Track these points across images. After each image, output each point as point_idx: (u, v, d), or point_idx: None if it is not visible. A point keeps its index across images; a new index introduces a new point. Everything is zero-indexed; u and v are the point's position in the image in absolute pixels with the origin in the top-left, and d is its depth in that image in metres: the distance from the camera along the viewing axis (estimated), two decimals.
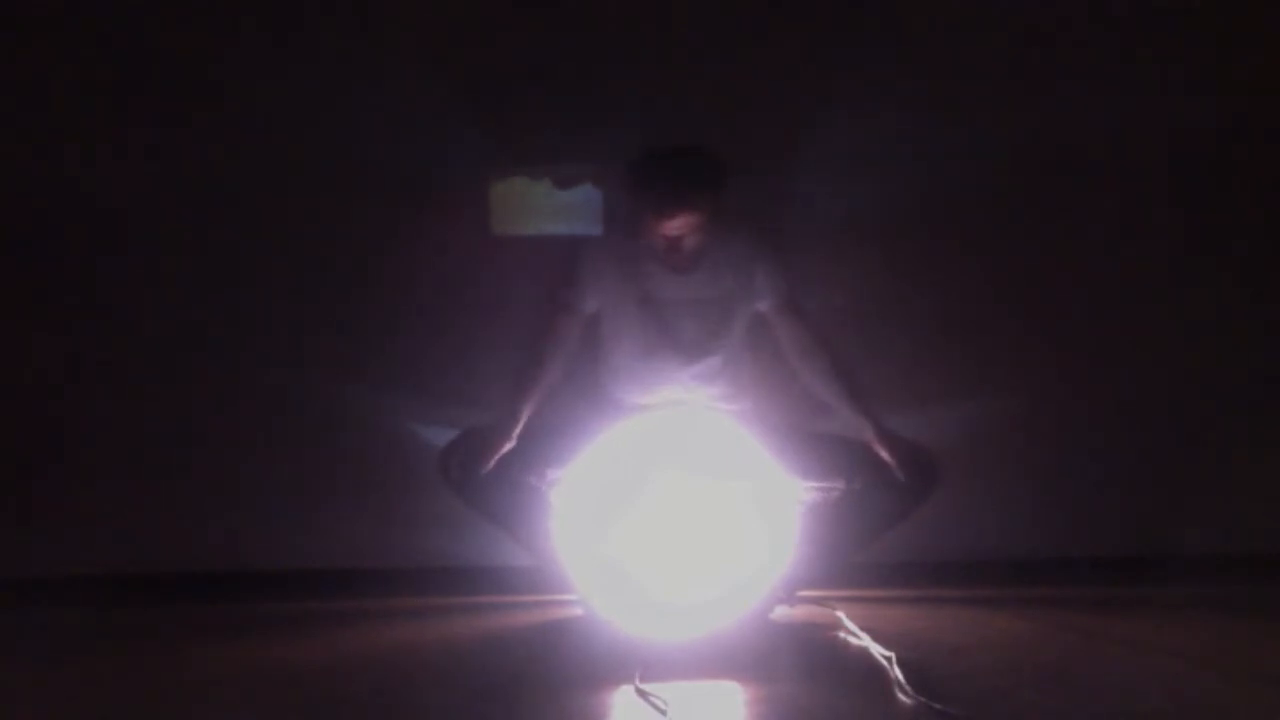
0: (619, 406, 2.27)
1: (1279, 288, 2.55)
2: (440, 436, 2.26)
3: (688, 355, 2.24)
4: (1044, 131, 2.50)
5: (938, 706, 1.51)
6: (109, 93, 2.49)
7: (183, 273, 2.53)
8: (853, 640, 1.96)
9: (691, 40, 2.49)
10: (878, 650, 1.83)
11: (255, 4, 2.49)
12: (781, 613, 2.13)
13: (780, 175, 2.47)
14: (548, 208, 2.46)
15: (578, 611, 2.21)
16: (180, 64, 2.49)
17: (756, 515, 2.03)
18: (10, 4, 2.46)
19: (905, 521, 2.16)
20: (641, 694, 1.63)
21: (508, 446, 2.15)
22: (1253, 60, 2.51)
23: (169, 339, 2.53)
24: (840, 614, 2.09)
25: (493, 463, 2.13)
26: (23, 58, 2.48)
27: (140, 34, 2.49)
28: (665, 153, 2.16)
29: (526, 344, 2.29)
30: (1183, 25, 2.50)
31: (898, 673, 1.67)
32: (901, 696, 1.59)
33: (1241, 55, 2.51)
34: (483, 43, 2.49)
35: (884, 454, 2.12)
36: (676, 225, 2.13)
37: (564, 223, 2.45)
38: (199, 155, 2.50)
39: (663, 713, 1.55)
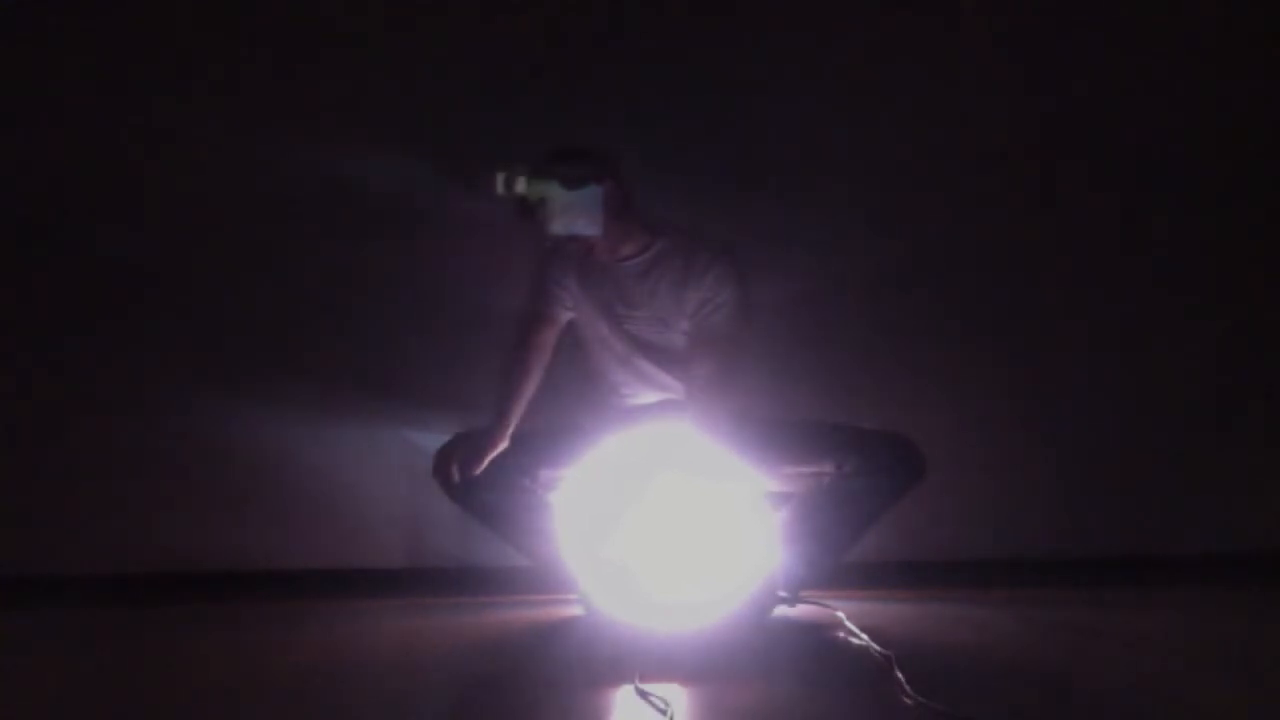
0: (609, 408, 2.28)
1: (1278, 287, 2.55)
2: (437, 439, 2.27)
3: (654, 362, 2.24)
4: (1046, 129, 2.50)
5: (938, 706, 1.51)
6: (111, 92, 2.50)
7: (182, 275, 2.54)
8: (853, 640, 1.96)
9: (692, 39, 2.50)
10: (878, 650, 1.83)
11: (254, 7, 2.50)
12: (781, 613, 2.13)
13: (779, 168, 2.48)
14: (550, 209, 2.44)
15: (578, 611, 2.21)
16: (181, 64, 2.50)
17: (755, 515, 2.03)
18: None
19: (896, 507, 2.15)
20: (641, 694, 1.63)
21: (500, 447, 2.15)
22: (1254, 59, 2.52)
23: (169, 341, 2.54)
24: (840, 614, 2.09)
25: (484, 465, 2.14)
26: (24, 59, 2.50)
27: (139, 32, 2.50)
28: (550, 154, 2.14)
29: (506, 353, 2.28)
30: (1181, 21, 2.50)
31: (898, 673, 1.67)
32: (901, 696, 1.59)
33: (1242, 54, 2.52)
34: (483, 42, 2.49)
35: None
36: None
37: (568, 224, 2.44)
38: (198, 158, 2.51)
39: (663, 713, 1.55)
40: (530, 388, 2.25)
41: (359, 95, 2.50)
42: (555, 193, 2.11)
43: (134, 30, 2.49)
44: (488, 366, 2.32)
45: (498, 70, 2.48)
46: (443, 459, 2.19)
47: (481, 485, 2.15)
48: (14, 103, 2.51)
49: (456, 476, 2.15)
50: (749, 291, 2.19)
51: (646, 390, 2.26)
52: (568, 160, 2.13)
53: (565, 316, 2.31)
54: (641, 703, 1.61)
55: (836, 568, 2.22)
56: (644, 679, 1.68)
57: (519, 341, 2.29)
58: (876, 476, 2.10)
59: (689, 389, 2.17)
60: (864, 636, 1.93)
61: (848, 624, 2.03)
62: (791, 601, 2.13)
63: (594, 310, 2.26)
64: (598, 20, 2.49)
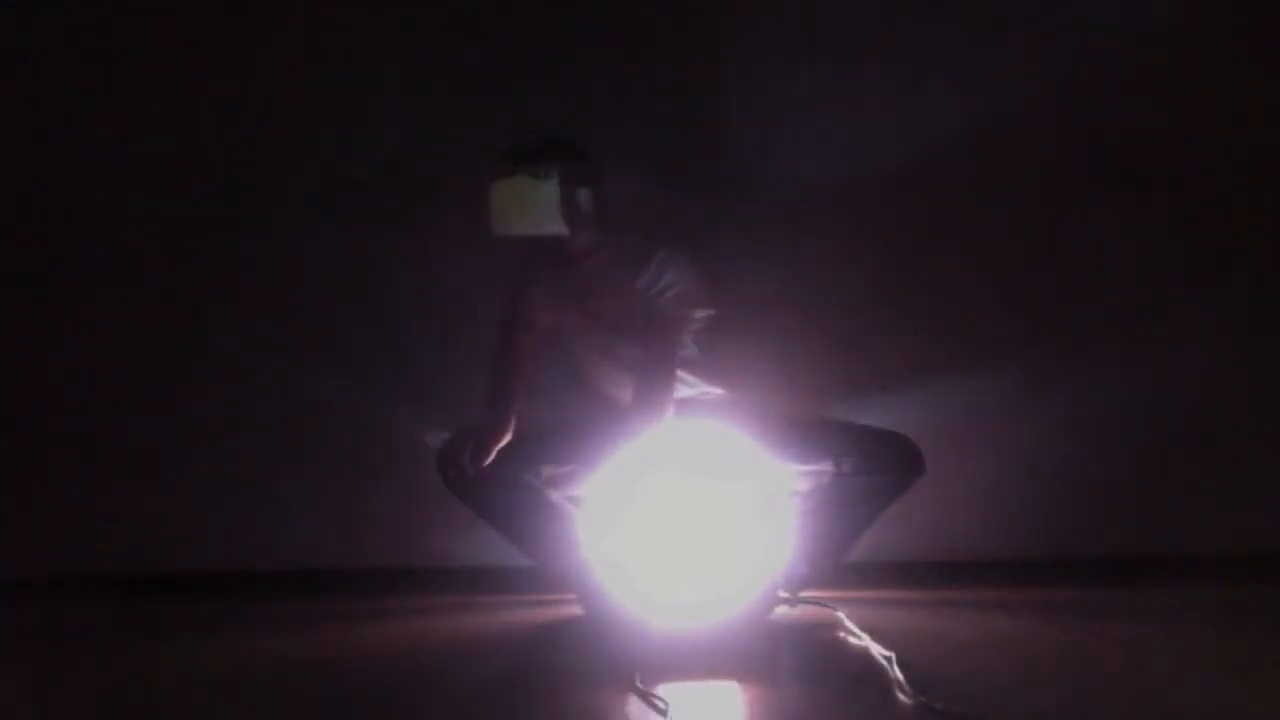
0: (609, 406, 2.28)
1: (1279, 287, 2.55)
2: (439, 437, 2.27)
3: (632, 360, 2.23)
4: (1049, 125, 2.50)
5: (938, 706, 1.51)
6: (112, 91, 2.50)
7: (183, 276, 2.54)
8: (853, 640, 1.95)
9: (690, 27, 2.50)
10: (878, 650, 1.83)
11: (255, 7, 2.50)
12: (782, 613, 2.13)
13: (781, 166, 2.48)
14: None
15: (578, 611, 2.21)
16: (181, 63, 2.50)
17: (756, 514, 2.03)
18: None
19: (896, 507, 2.16)
20: (641, 694, 1.63)
21: (504, 440, 2.15)
22: (1252, 60, 2.52)
23: (170, 341, 2.53)
24: (840, 614, 2.09)
25: (488, 461, 2.13)
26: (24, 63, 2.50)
27: (137, 29, 2.50)
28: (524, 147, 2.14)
29: (491, 360, 2.28)
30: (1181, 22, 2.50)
31: (898, 673, 1.67)
32: (901, 696, 1.59)
33: (1241, 56, 2.51)
34: (483, 42, 2.49)
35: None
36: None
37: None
38: (199, 158, 2.51)
39: (663, 713, 1.55)
40: (521, 390, 2.24)
41: (358, 92, 2.50)
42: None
43: (129, 25, 2.49)
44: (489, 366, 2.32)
45: (498, 63, 2.48)
46: (445, 455, 2.18)
47: (485, 481, 2.15)
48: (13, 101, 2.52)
49: (460, 472, 2.14)
50: (712, 286, 2.19)
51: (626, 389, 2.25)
52: (556, 156, 2.13)
53: (546, 319, 2.30)
54: (641, 703, 1.61)
55: (837, 567, 2.22)
56: (644, 679, 1.68)
57: (503, 349, 2.29)
58: (875, 475, 2.10)
59: (636, 376, 2.16)
60: (864, 636, 1.93)
61: (848, 624, 2.03)
62: (792, 601, 2.13)
63: (572, 310, 2.25)
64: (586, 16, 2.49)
